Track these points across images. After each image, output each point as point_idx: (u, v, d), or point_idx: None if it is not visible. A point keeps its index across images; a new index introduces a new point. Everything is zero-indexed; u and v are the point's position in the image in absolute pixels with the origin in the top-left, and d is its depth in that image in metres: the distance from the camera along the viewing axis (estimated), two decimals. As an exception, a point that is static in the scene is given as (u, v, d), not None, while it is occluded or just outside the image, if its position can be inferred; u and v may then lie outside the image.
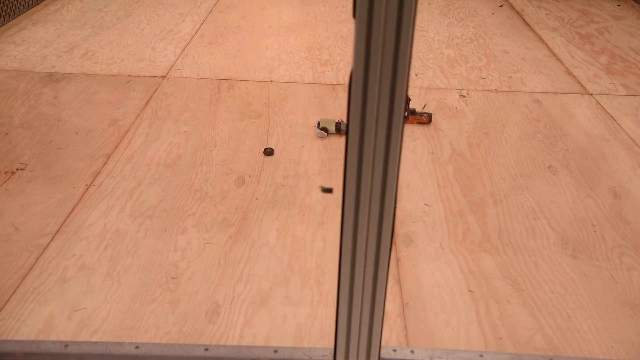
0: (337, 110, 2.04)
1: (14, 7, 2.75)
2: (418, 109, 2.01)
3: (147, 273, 1.30)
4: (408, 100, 2.05)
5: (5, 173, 1.64)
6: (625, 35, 2.83)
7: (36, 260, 1.33)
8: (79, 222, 1.46)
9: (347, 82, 2.25)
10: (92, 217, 1.48)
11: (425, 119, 1.92)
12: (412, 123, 1.93)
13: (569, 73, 2.38)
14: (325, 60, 2.45)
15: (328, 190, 0.62)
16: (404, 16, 0.55)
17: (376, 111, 0.59)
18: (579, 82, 2.30)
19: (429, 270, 1.35)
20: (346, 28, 2.82)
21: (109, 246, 1.38)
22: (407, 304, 1.25)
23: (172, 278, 1.29)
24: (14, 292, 1.24)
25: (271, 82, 2.24)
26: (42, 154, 1.73)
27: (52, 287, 1.26)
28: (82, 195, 1.56)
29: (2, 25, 2.66)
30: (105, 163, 1.70)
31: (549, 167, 1.75)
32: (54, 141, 1.80)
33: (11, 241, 1.39)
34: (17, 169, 1.66)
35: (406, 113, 2.01)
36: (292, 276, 1.31)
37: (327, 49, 2.57)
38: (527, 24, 2.94)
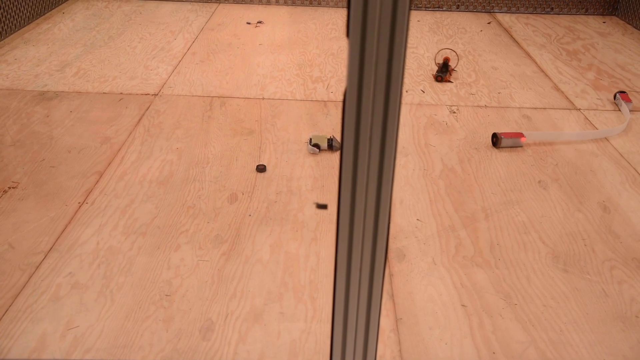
0: (329, 127, 2.06)
1: (5, 26, 2.76)
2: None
3: (141, 290, 1.30)
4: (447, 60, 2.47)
5: (-3, 191, 1.63)
6: (611, 51, 2.88)
7: (29, 279, 1.32)
8: (71, 240, 1.45)
9: (338, 99, 2.27)
10: (84, 234, 1.48)
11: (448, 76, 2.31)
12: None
13: (557, 89, 2.42)
14: (316, 77, 2.48)
15: (323, 207, 0.63)
16: (397, 34, 0.56)
17: (370, 127, 0.61)
18: (567, 98, 2.33)
19: (422, 285, 1.36)
20: (337, 45, 2.85)
21: (102, 264, 1.38)
22: (401, 319, 1.26)
23: (166, 295, 1.29)
24: (6, 310, 1.23)
25: (263, 99, 2.26)
26: (34, 172, 1.73)
27: (45, 306, 1.25)
28: (75, 213, 1.55)
29: (-7, 44, 2.67)
30: (97, 181, 1.70)
31: (539, 181, 1.77)
32: (46, 159, 1.80)
33: (3, 260, 1.38)
34: (9, 188, 1.65)
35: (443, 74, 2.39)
36: (286, 292, 1.31)
37: (318, 66, 2.59)
38: (515, 41, 2.99)
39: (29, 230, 1.49)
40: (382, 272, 0.72)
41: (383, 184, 0.64)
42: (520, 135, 1.93)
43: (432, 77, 2.35)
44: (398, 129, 0.61)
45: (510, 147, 1.92)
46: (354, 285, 0.72)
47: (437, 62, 2.53)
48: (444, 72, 2.39)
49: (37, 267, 1.36)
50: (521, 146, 1.95)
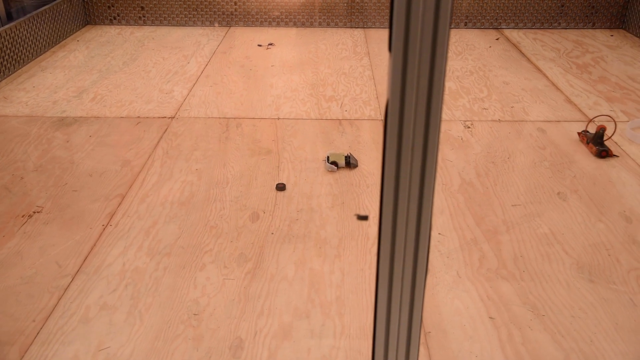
0: (345, 145, 2.07)
1: (22, 55, 2.81)
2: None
3: (169, 310, 1.31)
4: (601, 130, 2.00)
5: (22, 216, 1.65)
6: (620, 63, 2.89)
7: (58, 301, 1.34)
8: (98, 262, 1.47)
9: (352, 117, 2.29)
10: (110, 256, 1.49)
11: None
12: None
13: (570, 102, 2.43)
14: (329, 96, 2.50)
15: (364, 218, 0.64)
16: (438, 48, 0.58)
17: (412, 139, 0.62)
18: (581, 110, 2.34)
19: (448, 298, 1.36)
20: (348, 65, 2.88)
21: (129, 285, 1.39)
22: (430, 332, 1.26)
23: (194, 314, 1.30)
24: (37, 333, 1.24)
25: (278, 119, 2.28)
26: (58, 197, 1.75)
27: (75, 327, 1.26)
28: (100, 236, 1.57)
29: (12, 73, 2.72)
30: (120, 203, 1.72)
31: (558, 193, 1.77)
32: (68, 183, 1.82)
33: (32, 283, 1.39)
34: (34, 212, 1.67)
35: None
36: (313, 309, 1.32)
37: (331, 85, 2.62)
38: (525, 56, 3.01)
39: (55, 254, 1.50)
40: (424, 282, 0.72)
41: (425, 195, 0.65)
42: None
43: (592, 152, 1.99)
44: (439, 138, 0.63)
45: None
46: (395, 296, 0.73)
47: (586, 131, 2.10)
48: (603, 144, 2.00)
49: (66, 289, 1.37)
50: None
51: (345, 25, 3.55)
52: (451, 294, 1.37)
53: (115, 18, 3.55)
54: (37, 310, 1.31)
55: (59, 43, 3.19)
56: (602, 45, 3.19)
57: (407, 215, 0.67)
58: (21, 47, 2.81)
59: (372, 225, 1.62)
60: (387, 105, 0.61)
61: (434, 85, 0.59)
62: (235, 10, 3.52)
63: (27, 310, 1.31)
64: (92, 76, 2.72)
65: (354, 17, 3.53)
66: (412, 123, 0.61)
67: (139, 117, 2.30)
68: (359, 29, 3.51)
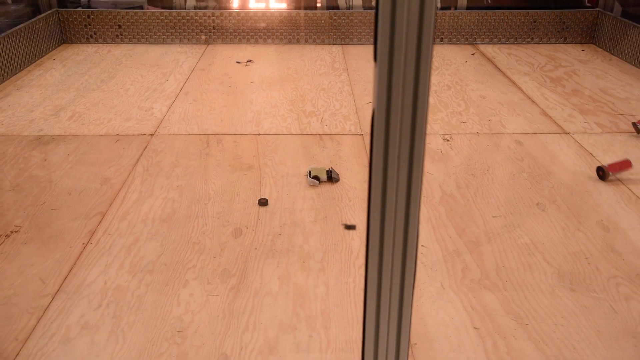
0: (326, 159, 2.08)
1: (-3, 73, 2.78)
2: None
3: (152, 328, 1.29)
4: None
5: (0, 237, 1.62)
6: (592, 77, 2.96)
7: (37, 322, 1.31)
8: (78, 281, 1.44)
9: (333, 132, 2.30)
10: (91, 275, 1.47)
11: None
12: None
13: (545, 114, 2.48)
14: (309, 111, 2.51)
15: (351, 227, 0.64)
16: (422, 57, 0.59)
17: (398, 148, 0.63)
18: (556, 123, 2.39)
19: (433, 309, 1.36)
20: (327, 80, 2.90)
21: (111, 303, 1.37)
22: (415, 344, 1.26)
23: (178, 332, 1.28)
24: (16, 355, 1.22)
25: (259, 134, 2.29)
26: (36, 216, 1.72)
27: (55, 348, 1.23)
28: (80, 254, 1.55)
29: (-14, 92, 2.68)
30: (100, 221, 1.70)
31: (538, 204, 1.80)
32: (47, 202, 1.80)
33: (10, 304, 1.37)
34: (12, 232, 1.64)
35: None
36: (298, 323, 1.31)
37: (311, 101, 2.63)
38: (500, 70, 3.07)
39: (34, 274, 1.48)
40: (411, 292, 0.73)
41: (412, 204, 0.66)
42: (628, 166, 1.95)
43: None
44: (424, 147, 0.63)
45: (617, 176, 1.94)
46: (384, 309, 0.73)
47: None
48: None
49: (45, 309, 1.35)
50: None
51: (323, 42, 3.58)
52: (436, 305, 1.37)
53: (92, 36, 3.53)
54: (16, 332, 1.28)
55: (35, 62, 3.16)
56: (574, 59, 3.27)
57: (394, 226, 0.68)
58: (-4, 66, 2.78)
59: (356, 238, 1.62)
60: (373, 115, 0.62)
61: (419, 94, 0.60)
62: (214, 27, 3.53)
63: (6, 331, 1.28)
64: (70, 94, 2.70)
65: (332, 33, 3.56)
66: (398, 132, 0.62)
67: (118, 134, 2.28)
68: (337, 45, 3.54)
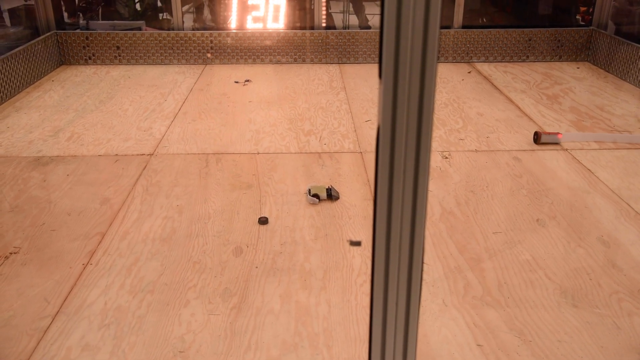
0: (325, 177, 2.08)
1: (-4, 95, 2.79)
2: None
3: (154, 349, 1.28)
4: None
5: (-1, 257, 1.61)
6: (588, 94, 2.99)
7: (37, 344, 1.30)
8: (78, 302, 1.43)
9: (332, 150, 2.31)
10: (91, 295, 1.46)
11: None
12: None
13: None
14: (308, 130, 2.52)
15: (356, 244, 0.64)
16: (427, 75, 0.59)
17: (403, 164, 0.63)
18: (553, 139, 2.40)
19: (436, 327, 1.35)
20: (324, 99, 2.92)
21: (112, 324, 1.36)
22: (419, 362, 1.25)
23: (180, 352, 1.27)
24: (16, 377, 1.20)
25: (258, 153, 2.29)
26: (35, 237, 1.72)
27: (56, 370, 1.22)
28: (80, 275, 1.54)
29: (-15, 113, 2.69)
30: (100, 241, 1.69)
31: (537, 220, 1.80)
32: (46, 223, 1.79)
33: (10, 326, 1.35)
34: (11, 253, 1.64)
35: None
36: (301, 342, 1.30)
37: (309, 120, 2.64)
38: (497, 88, 3.09)
39: (33, 295, 1.47)
40: (417, 310, 0.72)
41: (417, 221, 0.66)
42: (557, 133, 2.35)
43: None
44: (429, 162, 0.64)
45: (549, 142, 2.32)
46: (390, 326, 0.73)
47: None
48: None
49: (45, 331, 1.34)
50: (559, 143, 2.32)
51: (320, 61, 3.60)
52: (438, 323, 1.37)
53: (90, 58, 3.55)
54: (16, 354, 1.27)
55: (33, 83, 3.17)
56: (570, 77, 3.30)
57: (400, 242, 0.68)
58: (-5, 88, 2.79)
59: (357, 256, 1.62)
60: (378, 131, 0.63)
61: (424, 110, 0.61)
62: (212, 48, 3.56)
63: (6, 354, 1.27)
64: (68, 115, 2.70)
65: (329, 53, 3.59)
66: (403, 149, 0.63)
67: (117, 154, 2.28)
68: (334, 65, 3.57)
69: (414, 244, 0.68)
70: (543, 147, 2.33)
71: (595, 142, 2.37)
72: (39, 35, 3.37)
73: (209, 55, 3.39)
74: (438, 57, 0.61)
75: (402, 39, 0.59)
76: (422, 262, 0.71)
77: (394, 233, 0.67)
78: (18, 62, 3.01)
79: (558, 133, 2.36)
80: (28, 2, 3.55)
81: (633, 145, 2.34)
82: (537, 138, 2.34)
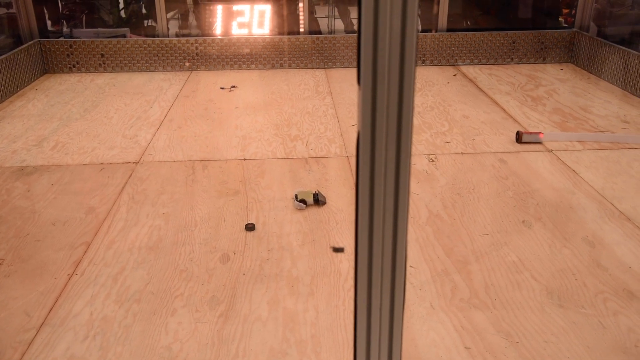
0: (312, 182, 2.08)
1: (-21, 104, 2.76)
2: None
3: (140, 358, 1.27)
4: None
5: (-18, 269, 1.59)
6: (571, 95, 3.01)
7: (22, 356, 1.28)
8: (64, 313, 1.42)
9: (318, 155, 2.31)
10: (77, 306, 1.44)
11: None
12: None
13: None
14: (294, 135, 2.52)
15: (339, 250, 0.64)
16: (405, 79, 0.59)
17: (384, 169, 0.63)
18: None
19: (423, 330, 1.36)
20: (311, 104, 2.92)
21: (98, 334, 1.34)
22: (407, 366, 1.25)
23: (167, 361, 1.26)
24: (1, 391, 1.19)
25: (244, 159, 2.29)
26: (19, 248, 1.70)
27: (41, 382, 1.21)
28: (65, 286, 1.52)
29: (-32, 123, 2.66)
30: (85, 251, 1.68)
31: (523, 221, 1.81)
32: (30, 234, 1.77)
33: (-6, 338, 1.34)
34: (-5, 264, 1.62)
35: None
36: (289, 348, 1.30)
37: (295, 125, 2.64)
38: (482, 90, 3.11)
39: (17, 307, 1.45)
40: (402, 313, 0.72)
41: (399, 225, 0.66)
42: (539, 133, 2.40)
43: None
44: (410, 167, 0.64)
45: (531, 142, 2.38)
46: (374, 331, 0.73)
47: None
48: None
49: (30, 343, 1.32)
50: (540, 142, 2.38)
51: (306, 66, 3.61)
52: (426, 326, 1.37)
53: (74, 66, 3.53)
54: (1, 367, 1.25)
55: (16, 92, 3.15)
56: (554, 78, 3.33)
57: (383, 247, 0.68)
58: (-22, 97, 2.76)
59: (344, 261, 1.62)
60: (358, 137, 0.63)
61: (403, 115, 0.61)
62: (197, 54, 3.55)
63: (-10, 367, 1.25)
64: (52, 124, 2.68)
65: (315, 58, 3.59)
66: (383, 154, 0.63)
67: (102, 163, 2.27)
68: (320, 69, 3.57)
69: (396, 247, 0.68)
70: (528, 148, 2.35)
71: (577, 141, 2.39)
72: (22, 44, 3.34)
73: (187, 64, 3.39)
74: (417, 60, 0.61)
75: (380, 43, 0.59)
76: (406, 265, 0.71)
77: (377, 238, 0.67)
78: (1, 71, 2.99)
79: (540, 132, 2.40)
80: (10, 10, 3.52)
81: (615, 144, 2.36)
82: (518, 137, 2.39)
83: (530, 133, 2.39)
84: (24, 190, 2.05)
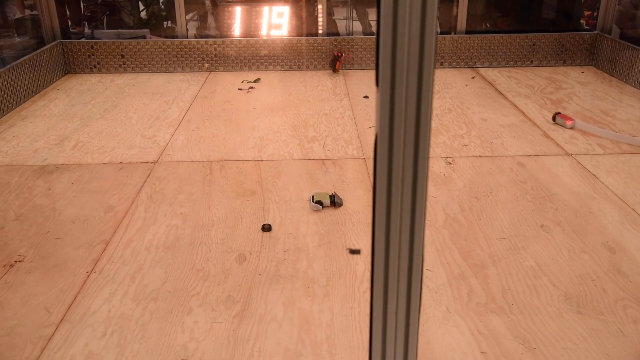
0: (329, 184, 2.08)
1: (2, 105, 2.81)
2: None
3: (157, 356, 1.28)
4: None
5: (4, 266, 1.62)
6: (592, 98, 2.98)
7: (41, 352, 1.30)
8: (82, 310, 1.44)
9: (335, 157, 2.31)
10: (95, 303, 1.46)
11: None
12: None
13: (547, 136, 2.48)
14: (311, 137, 2.53)
15: (356, 252, 0.64)
16: (424, 81, 0.59)
17: (401, 171, 0.63)
18: (558, 144, 2.40)
19: (439, 334, 1.35)
20: (328, 106, 2.92)
21: (115, 332, 1.36)
22: (422, 370, 1.24)
23: (183, 360, 1.27)
24: (20, 386, 1.21)
25: (261, 160, 2.29)
26: (40, 245, 1.72)
27: (59, 378, 1.22)
28: (84, 283, 1.54)
29: (-9, 122, 2.70)
30: (104, 249, 1.70)
31: (542, 226, 1.79)
32: (50, 231, 1.80)
33: (14, 334, 1.36)
34: (16, 262, 1.64)
35: None
36: (304, 349, 1.30)
37: (312, 126, 2.64)
38: (500, 93, 3.09)
39: (37, 303, 1.47)
40: (418, 317, 0.72)
41: (416, 227, 0.66)
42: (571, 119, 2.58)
43: None
44: (427, 169, 0.64)
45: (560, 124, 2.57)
46: (390, 334, 0.73)
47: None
48: None
49: (49, 339, 1.34)
50: (570, 128, 2.55)
51: (323, 68, 3.61)
52: (442, 330, 1.36)
53: (95, 66, 3.58)
54: (20, 362, 1.27)
55: (39, 92, 3.19)
56: (574, 81, 3.29)
57: (399, 249, 0.68)
58: (0, 98, 2.81)
59: (360, 263, 1.62)
60: (376, 139, 0.63)
61: (421, 117, 0.61)
62: (216, 55, 3.57)
63: (10, 362, 1.27)
64: (73, 124, 2.72)
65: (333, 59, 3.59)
66: (401, 156, 0.62)
67: (121, 162, 2.29)
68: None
69: (413, 250, 0.68)
70: (547, 152, 2.32)
71: (606, 139, 2.36)
72: (44, 45, 3.39)
73: (206, 65, 3.41)
74: (435, 63, 0.61)
75: (399, 45, 0.59)
76: (422, 269, 0.70)
77: (393, 240, 0.67)
78: (24, 72, 3.03)
79: (571, 119, 2.57)
80: (34, 12, 3.58)
81: (636, 148, 2.33)
82: (555, 117, 2.62)
83: (564, 117, 2.58)
84: (45, 188, 2.08)
